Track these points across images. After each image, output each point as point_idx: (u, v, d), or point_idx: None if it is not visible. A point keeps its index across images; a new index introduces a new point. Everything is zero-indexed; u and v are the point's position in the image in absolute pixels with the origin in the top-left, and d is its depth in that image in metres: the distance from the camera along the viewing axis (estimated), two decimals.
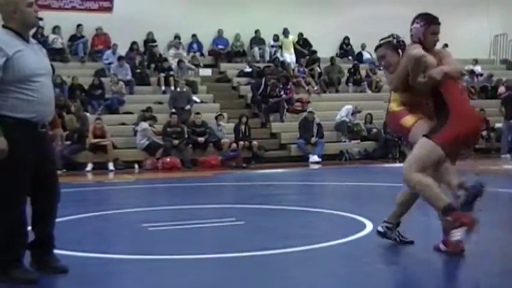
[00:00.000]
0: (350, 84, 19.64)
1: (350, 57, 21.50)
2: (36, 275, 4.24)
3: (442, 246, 4.80)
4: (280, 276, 4.37)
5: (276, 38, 20.90)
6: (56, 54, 18.45)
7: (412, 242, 5.17)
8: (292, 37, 20.71)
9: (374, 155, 16.65)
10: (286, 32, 20.50)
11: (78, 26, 19.05)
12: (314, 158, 15.99)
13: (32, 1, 4.23)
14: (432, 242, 5.04)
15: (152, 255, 5.02)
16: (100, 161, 14.72)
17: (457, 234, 4.39)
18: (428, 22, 5.04)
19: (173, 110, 16.11)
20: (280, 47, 20.69)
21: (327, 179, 12.63)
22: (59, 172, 13.72)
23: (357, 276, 4.38)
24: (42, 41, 18.38)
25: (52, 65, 4.83)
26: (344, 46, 21.85)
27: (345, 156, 16.42)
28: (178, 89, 17.08)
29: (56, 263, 4.41)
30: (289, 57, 20.15)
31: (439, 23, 5.04)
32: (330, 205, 7.80)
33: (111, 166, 14.57)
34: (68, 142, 14.67)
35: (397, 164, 15.47)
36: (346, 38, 21.72)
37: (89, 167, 14.48)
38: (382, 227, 5.24)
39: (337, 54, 21.44)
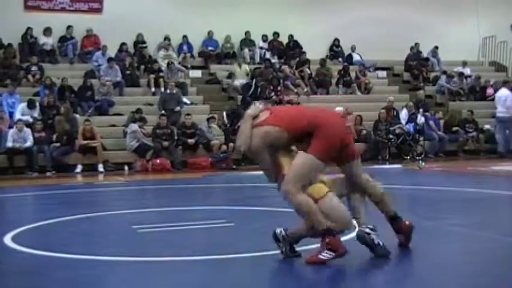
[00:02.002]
0: (340, 85, 19.68)
1: (340, 59, 21.55)
2: None
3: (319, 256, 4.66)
4: (270, 278, 4.38)
5: (265, 38, 20.94)
6: (45, 55, 18.45)
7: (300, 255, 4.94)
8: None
9: (364, 157, 16.66)
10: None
11: (68, 27, 18.99)
12: None
13: None
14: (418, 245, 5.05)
15: (142, 257, 5.02)
16: (90, 163, 14.69)
17: (326, 255, 4.54)
18: None
19: (163, 112, 16.09)
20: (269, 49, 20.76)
21: None
22: (48, 174, 13.75)
23: (344, 276, 4.40)
24: (32, 42, 18.39)
25: None
26: (334, 48, 21.89)
27: None
28: (168, 91, 17.07)
29: None
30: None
31: None
32: None
33: (100, 168, 14.55)
34: (58, 144, 14.65)
35: (387, 166, 15.55)
36: (336, 39, 21.76)
37: (79, 168, 14.45)
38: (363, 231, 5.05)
39: (327, 56, 21.48)
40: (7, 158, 14.19)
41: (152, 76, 18.05)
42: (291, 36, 21.09)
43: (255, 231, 6.31)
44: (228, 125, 5.03)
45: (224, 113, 5.00)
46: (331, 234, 4.55)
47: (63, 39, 19.03)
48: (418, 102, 18.35)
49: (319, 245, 4.68)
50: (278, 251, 5.01)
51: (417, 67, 21.14)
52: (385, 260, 4.81)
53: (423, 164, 14.68)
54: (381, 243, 4.82)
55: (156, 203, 9.20)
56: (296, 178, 4.58)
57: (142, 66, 18.85)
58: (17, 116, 15.16)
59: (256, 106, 4.92)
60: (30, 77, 17.25)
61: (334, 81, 19.83)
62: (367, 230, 4.81)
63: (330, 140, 4.63)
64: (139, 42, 19.65)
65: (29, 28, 18.41)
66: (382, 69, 21.68)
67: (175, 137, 15.49)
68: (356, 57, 21.61)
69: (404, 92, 20.30)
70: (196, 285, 4.27)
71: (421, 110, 17.74)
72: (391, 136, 16.92)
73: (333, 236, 4.56)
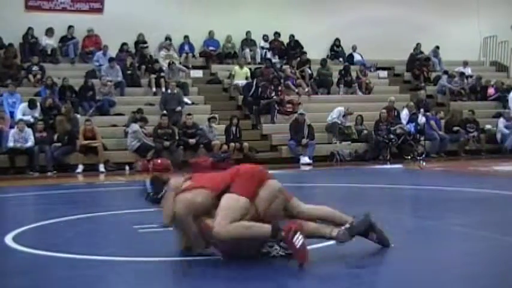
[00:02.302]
0: (341, 85, 19.68)
1: (341, 59, 21.54)
2: None
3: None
4: (264, 278, 4.38)
5: (266, 38, 20.94)
6: (46, 55, 18.46)
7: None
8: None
9: (365, 157, 16.69)
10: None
11: (69, 27, 19.01)
12: (305, 159, 16.02)
13: None
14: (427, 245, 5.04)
15: (143, 257, 5.02)
16: (91, 163, 14.71)
17: (299, 239, 4.41)
18: None
19: (164, 112, 16.10)
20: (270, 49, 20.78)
21: (318, 181, 12.66)
22: (49, 174, 13.74)
23: (341, 277, 4.40)
24: (33, 42, 18.39)
25: None
26: (335, 48, 21.89)
27: (336, 157, 16.45)
28: (169, 91, 17.08)
29: None
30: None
31: None
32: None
33: (101, 168, 14.57)
34: (59, 144, 14.67)
35: (388, 166, 15.56)
36: (337, 39, 21.76)
37: (80, 168, 14.47)
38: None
39: (328, 55, 21.48)
40: (8, 158, 14.21)
41: (153, 76, 18.07)
42: (292, 36, 21.09)
43: None
44: (152, 193, 5.00)
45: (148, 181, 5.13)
46: (279, 228, 4.48)
47: (64, 39, 19.05)
48: (419, 102, 18.35)
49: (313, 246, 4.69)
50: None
51: (418, 67, 21.13)
52: (384, 260, 4.81)
53: (424, 164, 14.67)
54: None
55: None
56: (225, 218, 4.55)
57: (144, 66, 18.85)
58: (18, 116, 15.17)
59: (175, 180, 4.96)
60: (31, 77, 17.27)
61: (335, 81, 19.83)
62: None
63: (250, 177, 4.74)
64: (141, 42, 19.65)
65: (30, 28, 18.42)
66: (383, 69, 21.68)
67: (177, 137, 15.50)
68: (357, 57, 21.61)
69: (405, 92, 20.30)
70: (196, 285, 4.27)
71: (422, 109, 17.74)
72: (392, 136, 16.92)
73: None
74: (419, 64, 21.23)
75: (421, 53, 21.72)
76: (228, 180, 4.75)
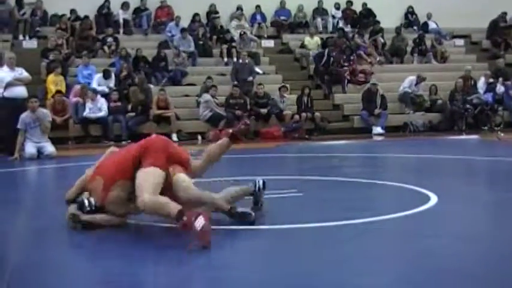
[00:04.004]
0: (415, 54, 19.23)
1: (415, 27, 21.02)
2: None
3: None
4: (334, 248, 4.32)
5: (337, 6, 20.62)
6: (120, 27, 18.76)
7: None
8: None
9: (439, 127, 16.31)
10: None
11: None
12: (377, 129, 15.78)
13: None
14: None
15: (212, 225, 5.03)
16: (164, 132, 14.85)
17: (199, 222, 4.21)
18: None
19: (235, 82, 16.13)
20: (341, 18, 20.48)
21: (390, 151, 12.44)
22: (123, 143, 14.00)
23: (418, 250, 4.28)
24: (107, 14, 18.70)
25: None
26: (409, 16, 21.36)
27: (409, 128, 16.14)
28: (240, 61, 17.08)
29: None
30: None
31: None
32: (393, 177, 7.67)
33: (174, 137, 14.72)
34: (132, 113, 14.93)
35: (463, 136, 15.16)
36: (411, 7, 21.23)
37: None
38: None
39: (401, 24, 20.98)
40: (82, 127, 14.56)
41: (225, 46, 18.10)
42: (364, 4, 20.69)
43: (325, 201, 6.25)
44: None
45: None
46: (183, 215, 4.36)
47: (137, 11, 19.29)
48: (497, 70, 17.74)
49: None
50: (347, 222, 4.96)
51: (500, 35, 20.34)
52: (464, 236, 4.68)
53: (502, 134, 14.20)
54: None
55: (228, 172, 9.23)
56: (146, 189, 4.58)
57: (215, 37, 18.90)
58: (94, 86, 15.48)
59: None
60: (106, 48, 17.57)
61: (409, 49, 19.39)
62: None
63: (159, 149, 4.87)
64: (212, 12, 19.68)
65: (106, 1, 18.74)
66: (460, 37, 21.02)
67: (248, 107, 15.52)
68: (432, 25, 21.03)
69: (483, 61, 19.64)
70: (260, 254, 4.26)
71: (500, 78, 17.16)
72: (468, 106, 16.46)
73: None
74: (501, 32, 20.42)
75: (505, 21, 20.83)
76: (131, 158, 4.83)
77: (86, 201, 4.86)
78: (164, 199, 4.55)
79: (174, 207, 4.44)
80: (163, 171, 4.74)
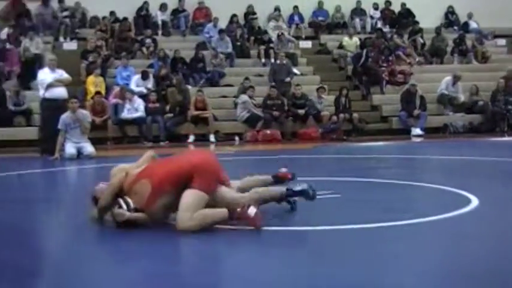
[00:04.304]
0: (455, 55, 18.97)
1: (455, 27, 20.74)
2: None
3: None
4: (379, 250, 4.26)
5: (376, 7, 20.47)
6: (158, 28, 18.92)
7: None
8: None
9: (480, 129, 16.05)
10: None
11: (181, 0, 19.31)
12: (416, 131, 15.60)
13: None
14: None
15: (242, 226, 5.01)
16: (201, 133, 14.96)
17: (252, 210, 4.70)
18: None
19: (273, 83, 16.12)
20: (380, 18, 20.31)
21: (429, 153, 12.27)
22: (162, 143, 14.15)
23: (462, 252, 4.21)
24: (144, 16, 18.88)
25: None
26: (449, 16, 21.08)
27: (449, 129, 15.92)
28: (278, 62, 17.06)
29: None
30: None
31: None
32: (432, 179, 7.56)
33: (212, 138, 14.78)
34: (171, 114, 15.02)
35: (505, 138, 14.88)
36: (451, 7, 20.96)
37: (191, 138, 14.75)
38: None
39: (441, 24, 20.71)
40: (119, 128, 14.68)
41: (262, 47, 18.11)
42: (403, 5, 20.49)
43: (364, 202, 6.18)
44: None
45: None
46: (234, 213, 4.76)
47: (175, 12, 19.42)
48: None
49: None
50: (388, 223, 4.89)
51: None
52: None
53: None
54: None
55: (266, 173, 9.23)
56: (190, 210, 4.74)
57: (253, 38, 18.91)
58: (132, 87, 15.61)
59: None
60: (144, 49, 17.72)
61: (449, 50, 19.14)
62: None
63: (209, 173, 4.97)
64: (250, 13, 19.72)
65: (145, 2, 18.91)
66: (501, 37, 20.66)
67: (286, 108, 15.49)
68: (473, 24, 20.75)
69: None
70: (300, 255, 4.23)
71: None
72: (510, 107, 16.16)
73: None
74: None
75: None
76: (184, 174, 4.88)
77: (124, 204, 4.89)
78: (206, 210, 4.80)
79: (220, 211, 4.80)
80: (207, 197, 4.86)
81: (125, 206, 4.86)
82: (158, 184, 4.86)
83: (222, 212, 4.77)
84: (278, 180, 5.77)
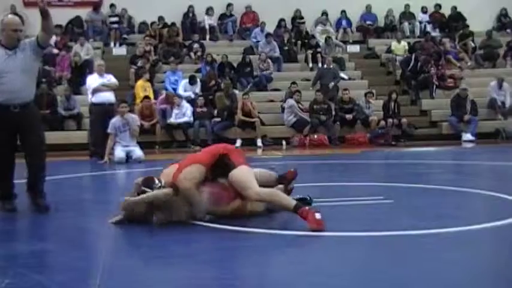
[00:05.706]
0: (508, 58, 18.58)
1: (508, 30, 20.32)
2: (11, 207, 6.02)
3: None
4: (433, 257, 4.17)
5: (425, 10, 20.21)
6: (206, 33, 19.03)
7: None
8: None
9: None
10: None
11: (228, 5, 19.42)
12: (467, 136, 15.31)
13: (16, 28, 5.85)
14: None
15: (298, 231, 4.97)
16: (249, 137, 14.97)
17: (318, 214, 4.84)
18: None
19: (318, 88, 16.05)
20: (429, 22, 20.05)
21: (481, 159, 12.01)
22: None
23: None
24: (192, 21, 19.03)
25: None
26: (502, 18, 20.67)
27: (501, 135, 15.58)
28: (325, 66, 16.97)
29: (40, 203, 6.01)
30: None
31: None
32: (484, 186, 7.39)
33: (259, 142, 14.78)
34: (218, 119, 15.08)
35: None
36: (504, 9, 20.55)
37: (238, 143, 14.76)
38: None
39: (493, 27, 20.31)
40: (167, 132, 14.79)
41: (310, 51, 18.06)
42: (454, 8, 20.17)
43: (415, 208, 6.08)
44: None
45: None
46: (300, 207, 4.99)
47: (223, 17, 19.50)
48: None
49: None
50: (440, 230, 4.79)
51: None
52: None
53: None
54: None
55: (314, 178, 9.13)
56: (253, 183, 5.15)
57: (300, 42, 18.88)
58: (180, 92, 15.73)
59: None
60: (192, 54, 17.84)
61: (501, 53, 18.76)
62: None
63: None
64: (297, 17, 19.69)
65: (190, 6, 19.04)
66: None
67: (333, 112, 15.39)
68: None
69: None
70: (351, 260, 4.16)
71: None
72: None
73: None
74: None
75: None
76: (215, 155, 5.32)
77: (156, 179, 5.26)
78: (274, 190, 5.29)
79: (287, 198, 5.16)
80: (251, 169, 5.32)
81: (157, 181, 5.22)
82: (183, 164, 5.29)
83: (288, 200, 5.09)
84: (284, 180, 5.80)
